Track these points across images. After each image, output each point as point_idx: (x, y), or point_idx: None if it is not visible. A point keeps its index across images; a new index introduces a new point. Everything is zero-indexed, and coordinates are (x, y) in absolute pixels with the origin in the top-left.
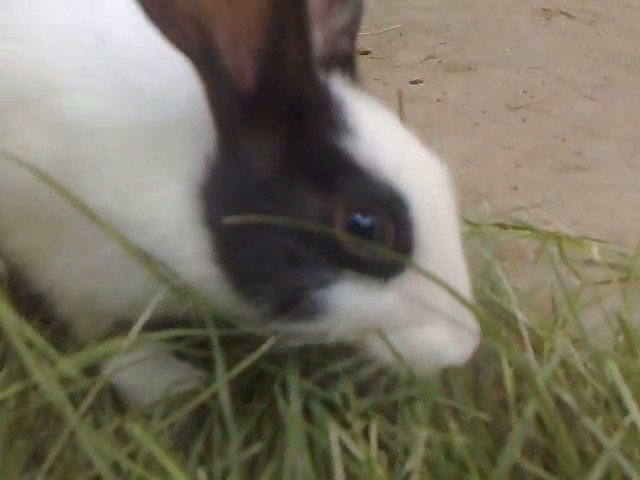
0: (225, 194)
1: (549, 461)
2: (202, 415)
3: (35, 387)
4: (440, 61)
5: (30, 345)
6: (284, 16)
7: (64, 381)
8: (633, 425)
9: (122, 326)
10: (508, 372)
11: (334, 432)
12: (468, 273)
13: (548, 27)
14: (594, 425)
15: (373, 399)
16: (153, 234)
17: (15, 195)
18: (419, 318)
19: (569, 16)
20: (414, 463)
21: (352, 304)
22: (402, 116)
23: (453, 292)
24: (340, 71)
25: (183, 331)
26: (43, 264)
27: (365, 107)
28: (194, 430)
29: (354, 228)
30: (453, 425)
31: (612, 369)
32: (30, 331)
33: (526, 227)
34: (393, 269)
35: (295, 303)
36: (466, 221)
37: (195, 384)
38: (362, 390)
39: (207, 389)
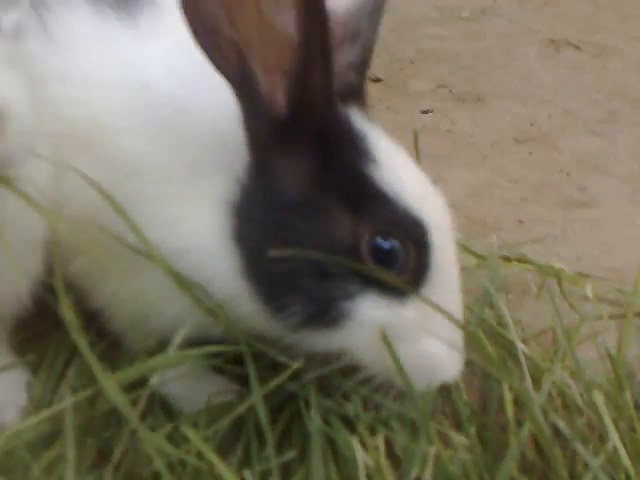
0: (257, 213)
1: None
2: (239, 424)
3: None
4: (450, 90)
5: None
6: (312, 47)
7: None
8: (614, 449)
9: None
10: (509, 397)
11: (356, 445)
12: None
13: (556, 59)
14: (583, 448)
15: (382, 412)
16: (190, 260)
17: (76, 225)
18: (424, 333)
19: (577, 48)
20: (427, 477)
21: (373, 315)
22: (418, 151)
23: (454, 319)
24: (353, 102)
25: (216, 348)
26: (99, 286)
27: (379, 137)
28: (232, 437)
29: (377, 249)
30: (460, 439)
31: (598, 400)
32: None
33: (529, 262)
34: (413, 283)
35: (322, 314)
36: (473, 253)
37: (231, 396)
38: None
39: (244, 401)
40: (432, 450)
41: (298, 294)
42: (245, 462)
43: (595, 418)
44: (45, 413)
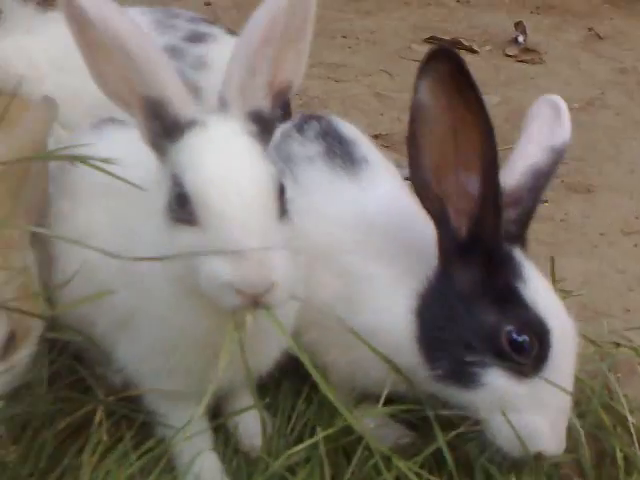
0: (436, 300)
1: None
2: None
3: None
4: (562, 181)
5: None
6: (487, 202)
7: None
8: None
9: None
10: (619, 456)
11: None
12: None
13: None
14: None
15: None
16: (389, 338)
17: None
18: (532, 409)
19: None
20: None
21: (496, 384)
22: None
23: (565, 390)
24: (516, 243)
25: (411, 406)
26: (321, 356)
27: (530, 267)
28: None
29: (512, 340)
30: None
31: None
32: None
33: (634, 348)
34: (532, 369)
35: (460, 372)
36: (587, 338)
37: (409, 439)
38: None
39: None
40: None
41: (447, 355)
42: None
43: None
44: (306, 443)
